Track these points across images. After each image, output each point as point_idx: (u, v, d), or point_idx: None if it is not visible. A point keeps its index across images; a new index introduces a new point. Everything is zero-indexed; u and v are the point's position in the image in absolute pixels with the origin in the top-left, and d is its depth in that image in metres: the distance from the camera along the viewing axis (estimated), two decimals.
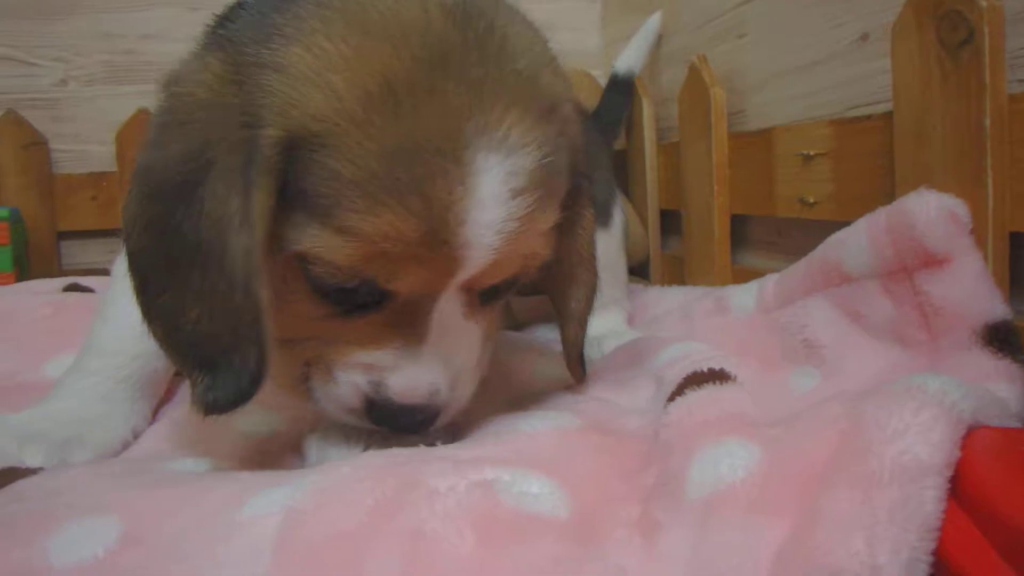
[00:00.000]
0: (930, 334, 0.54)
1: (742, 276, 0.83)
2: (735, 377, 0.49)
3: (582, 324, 0.59)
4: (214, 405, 0.44)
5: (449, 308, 0.47)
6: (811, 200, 0.77)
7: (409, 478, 0.38)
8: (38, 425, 0.55)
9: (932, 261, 0.53)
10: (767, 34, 0.88)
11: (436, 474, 0.38)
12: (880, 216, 0.57)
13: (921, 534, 0.30)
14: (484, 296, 0.50)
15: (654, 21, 1.11)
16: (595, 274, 0.58)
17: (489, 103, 0.42)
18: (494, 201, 0.43)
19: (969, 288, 0.52)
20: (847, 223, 0.62)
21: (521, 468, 0.40)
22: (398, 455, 0.43)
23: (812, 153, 0.76)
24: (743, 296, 0.75)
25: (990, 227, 0.53)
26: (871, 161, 0.67)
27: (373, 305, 0.45)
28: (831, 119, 0.73)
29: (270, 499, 0.39)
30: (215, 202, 0.42)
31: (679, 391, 0.49)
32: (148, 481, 0.46)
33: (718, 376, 0.49)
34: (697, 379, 0.49)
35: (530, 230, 0.45)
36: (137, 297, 0.45)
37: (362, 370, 0.47)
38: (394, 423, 0.47)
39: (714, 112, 0.92)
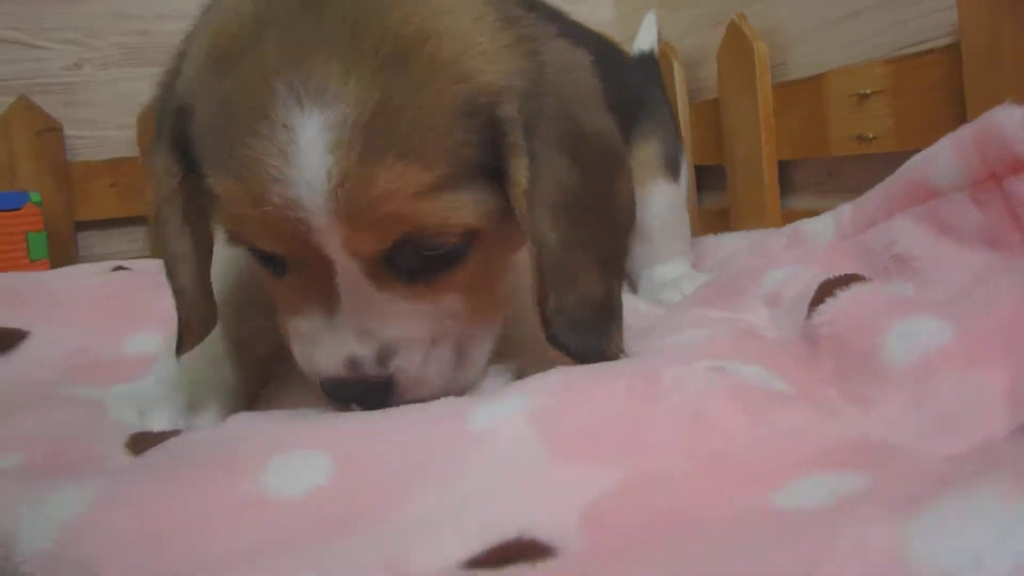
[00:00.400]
0: (1022, 232, 0.62)
1: (794, 219, 0.90)
2: (871, 278, 0.56)
3: (538, 299, 0.50)
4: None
5: (351, 277, 0.46)
6: (870, 136, 0.85)
7: (645, 372, 0.44)
8: (156, 391, 0.57)
9: (1018, 163, 0.61)
10: None
11: (666, 366, 0.44)
12: (965, 131, 0.64)
13: None
14: (410, 269, 0.47)
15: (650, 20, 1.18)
16: (535, 239, 0.48)
17: (305, 53, 0.42)
18: (307, 155, 0.41)
19: None
20: (909, 153, 0.70)
21: (728, 358, 0.47)
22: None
23: (868, 92, 0.84)
24: (819, 225, 0.82)
25: None
26: (932, 93, 0.75)
27: (285, 267, 0.48)
28: (885, 59, 0.81)
29: (499, 407, 0.42)
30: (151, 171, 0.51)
31: (821, 297, 0.56)
32: (342, 418, 0.47)
33: (855, 278, 0.56)
34: (837, 283, 0.56)
35: (376, 188, 0.42)
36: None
37: (299, 341, 0.49)
38: (338, 396, 0.48)
39: (758, 66, 1.00)
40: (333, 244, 0.44)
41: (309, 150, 0.41)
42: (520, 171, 0.46)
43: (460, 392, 0.50)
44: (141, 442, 0.48)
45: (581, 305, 0.50)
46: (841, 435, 0.40)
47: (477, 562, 0.30)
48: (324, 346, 0.47)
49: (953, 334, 0.42)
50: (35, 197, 1.19)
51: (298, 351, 0.50)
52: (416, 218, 0.44)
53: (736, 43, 1.04)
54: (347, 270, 0.46)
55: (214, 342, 0.58)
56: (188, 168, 0.49)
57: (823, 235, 0.82)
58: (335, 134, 0.41)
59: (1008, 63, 0.65)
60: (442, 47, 0.44)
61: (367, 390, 0.47)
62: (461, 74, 0.44)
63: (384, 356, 0.47)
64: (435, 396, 0.47)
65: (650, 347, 0.57)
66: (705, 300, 0.74)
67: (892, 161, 0.79)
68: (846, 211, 0.80)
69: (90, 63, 1.31)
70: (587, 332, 0.50)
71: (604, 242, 0.51)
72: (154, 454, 0.45)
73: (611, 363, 0.48)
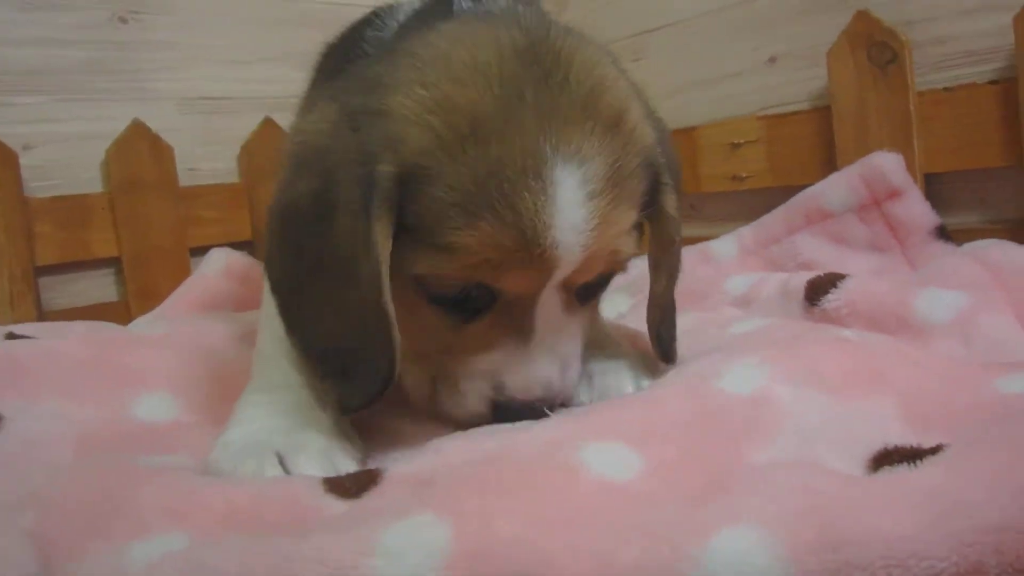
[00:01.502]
0: (898, 241, 0.89)
1: None
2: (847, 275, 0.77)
3: (662, 307, 0.63)
4: (348, 407, 0.55)
5: (550, 305, 0.54)
6: (744, 175, 1.10)
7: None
8: (275, 439, 0.56)
9: (895, 193, 0.88)
10: (668, 55, 1.19)
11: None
12: (853, 170, 0.91)
13: None
14: (580, 294, 0.57)
15: None
16: (677, 259, 0.64)
17: (559, 124, 0.51)
18: (573, 205, 0.51)
19: (918, 207, 0.88)
20: (781, 189, 0.95)
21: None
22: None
23: (742, 141, 1.09)
24: (722, 246, 1.04)
25: (917, 171, 0.90)
26: (801, 142, 1.02)
27: (484, 310, 0.54)
28: (759, 115, 1.07)
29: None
30: (343, 232, 0.52)
31: (824, 289, 0.74)
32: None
33: (839, 276, 0.76)
34: (828, 279, 0.76)
35: (611, 229, 0.53)
36: (281, 316, 0.56)
37: (482, 376, 0.55)
38: (517, 418, 0.54)
39: None
40: (561, 278, 0.53)
41: (574, 200, 0.51)
42: (673, 205, 0.60)
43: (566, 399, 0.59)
44: (345, 485, 0.49)
45: (672, 315, 0.65)
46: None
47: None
48: (522, 374, 0.54)
49: (974, 296, 0.64)
50: None
51: (475, 392, 0.55)
52: (621, 253, 0.55)
53: None
54: (550, 301, 0.54)
55: (293, 390, 0.60)
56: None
57: (727, 253, 1.04)
58: (590, 187, 0.51)
59: (873, 122, 0.93)
60: (631, 118, 0.56)
61: (544, 407, 0.55)
62: (641, 137, 0.56)
63: (563, 370, 0.56)
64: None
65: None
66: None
67: (761, 195, 1.05)
68: (746, 232, 1.03)
69: None
70: (672, 337, 0.64)
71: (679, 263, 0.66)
72: (398, 485, 0.47)
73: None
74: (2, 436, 0.59)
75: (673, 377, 0.58)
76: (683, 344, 0.67)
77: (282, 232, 0.56)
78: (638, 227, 0.59)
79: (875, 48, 0.91)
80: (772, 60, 1.06)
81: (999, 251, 0.68)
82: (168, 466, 0.55)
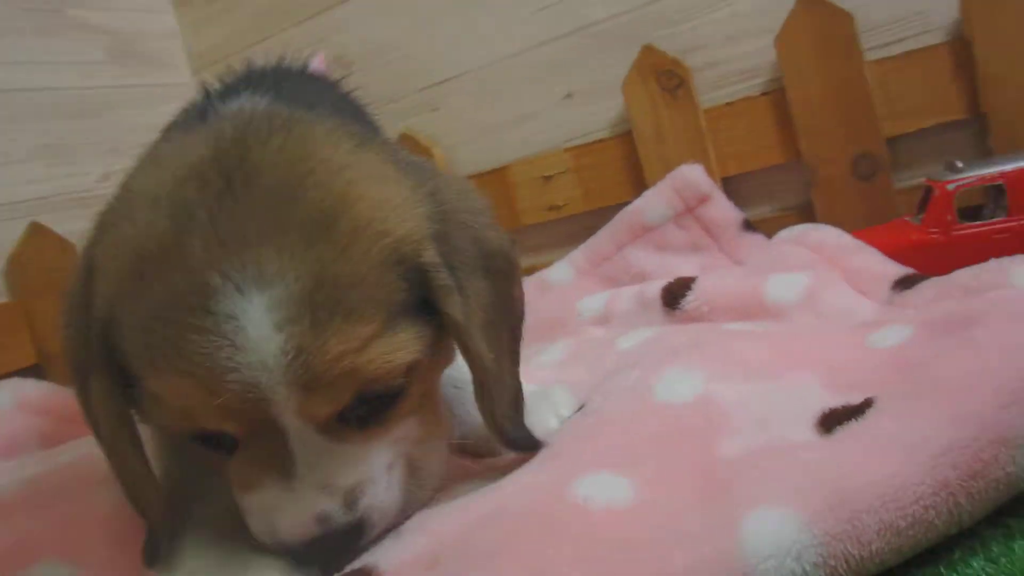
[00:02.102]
0: (714, 239, 1.01)
1: None
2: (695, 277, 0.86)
3: (492, 387, 0.54)
4: (145, 559, 0.51)
5: (305, 437, 0.47)
6: (559, 204, 1.18)
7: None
8: None
9: (704, 199, 1.01)
10: (466, 103, 1.25)
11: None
12: (665, 184, 1.02)
13: None
14: (358, 416, 0.49)
15: None
16: (478, 363, 0.52)
17: (234, 247, 0.44)
18: (256, 340, 0.44)
19: (725, 207, 1.01)
20: (595, 212, 1.05)
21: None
22: None
23: (552, 174, 1.17)
24: (557, 272, 1.11)
25: (716, 177, 1.03)
26: (608, 167, 1.12)
27: (235, 446, 0.49)
28: (565, 147, 1.16)
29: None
30: (78, 392, 0.51)
31: (681, 293, 0.82)
32: None
33: (690, 279, 0.85)
34: (682, 283, 0.84)
35: (327, 354, 0.45)
36: None
37: (257, 516, 0.49)
38: (311, 559, 0.49)
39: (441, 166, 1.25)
40: (289, 413, 0.46)
41: (258, 333, 0.44)
42: (456, 309, 0.50)
43: (423, 505, 0.53)
44: None
45: (512, 403, 0.56)
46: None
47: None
48: (288, 512, 0.48)
49: (809, 280, 0.75)
50: None
51: (258, 526, 0.50)
52: (366, 371, 0.47)
53: (412, 149, 1.27)
54: (301, 433, 0.47)
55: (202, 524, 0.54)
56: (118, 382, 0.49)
57: (564, 277, 1.11)
58: (281, 313, 0.44)
59: (670, 140, 1.05)
60: (361, 211, 0.48)
61: (341, 541, 0.48)
62: (383, 232, 0.48)
63: (350, 502, 0.48)
64: (402, 517, 0.51)
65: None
66: (540, 338, 0.95)
67: (578, 220, 1.14)
68: (578, 255, 1.11)
69: None
70: (518, 424, 0.56)
71: (514, 342, 0.58)
72: None
73: None
74: None
75: (606, 400, 0.61)
76: (577, 370, 0.71)
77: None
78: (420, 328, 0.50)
79: (663, 76, 1.04)
80: (569, 96, 1.15)
81: (817, 234, 0.81)
82: None
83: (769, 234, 0.99)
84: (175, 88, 1.45)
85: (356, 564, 0.49)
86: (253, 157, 0.48)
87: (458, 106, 1.26)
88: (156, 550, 0.50)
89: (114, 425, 0.49)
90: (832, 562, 0.40)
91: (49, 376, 1.12)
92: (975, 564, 0.42)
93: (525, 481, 0.52)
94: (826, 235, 0.80)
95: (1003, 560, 0.42)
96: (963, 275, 0.60)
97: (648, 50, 1.05)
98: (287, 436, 0.46)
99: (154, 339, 0.45)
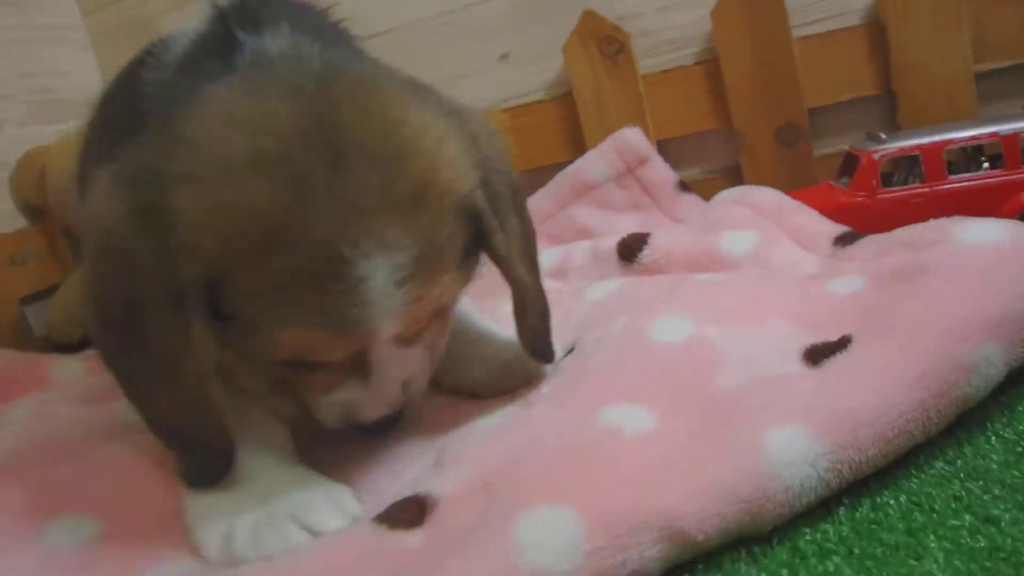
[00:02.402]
0: (652, 199, 1.09)
1: None
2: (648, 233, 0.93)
3: (529, 302, 0.63)
4: (197, 483, 0.56)
5: (387, 352, 0.56)
6: None
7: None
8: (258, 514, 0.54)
9: (643, 161, 1.08)
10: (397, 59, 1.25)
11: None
12: (607, 145, 1.09)
13: None
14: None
15: None
16: (520, 286, 0.62)
17: (355, 217, 0.50)
18: (382, 297, 0.51)
19: (662, 168, 1.09)
20: (533, 170, 1.12)
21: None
22: None
23: None
24: None
25: (652, 140, 1.11)
26: (546, 128, 1.17)
27: (321, 364, 0.56)
28: (501, 108, 1.20)
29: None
30: (159, 337, 0.52)
31: (638, 247, 0.89)
32: None
33: (644, 235, 0.92)
34: (637, 238, 0.91)
35: (430, 299, 0.55)
36: (121, 391, 0.57)
37: (333, 406, 0.58)
38: (375, 431, 0.60)
39: None
40: (388, 342, 0.55)
41: (382, 292, 0.51)
42: (501, 245, 0.59)
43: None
44: (399, 516, 0.51)
45: (542, 315, 0.66)
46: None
47: None
48: (367, 402, 0.58)
49: (757, 236, 0.83)
50: None
51: (335, 415, 0.59)
52: (444, 304, 0.59)
53: None
54: (385, 349, 0.56)
55: (261, 451, 0.59)
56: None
57: None
58: (399, 273, 0.52)
59: (610, 104, 1.11)
60: (444, 176, 0.54)
61: (397, 417, 0.60)
62: (452, 191, 0.55)
63: (406, 389, 0.60)
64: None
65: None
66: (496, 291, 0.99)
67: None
68: None
69: None
70: (547, 332, 0.67)
71: (536, 264, 0.67)
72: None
73: None
74: None
75: (600, 342, 0.67)
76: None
77: (101, 325, 0.55)
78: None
79: (604, 41, 1.09)
80: (504, 56, 1.19)
81: (757, 195, 0.90)
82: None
83: (699, 194, 1.08)
84: (61, 30, 1.36)
85: (408, 493, 0.53)
86: (355, 125, 0.51)
87: (390, 61, 1.26)
88: (216, 474, 0.55)
89: (205, 362, 0.52)
90: (838, 467, 0.48)
91: None
92: (937, 465, 0.52)
93: (554, 413, 0.57)
94: (765, 196, 0.89)
95: (959, 462, 0.52)
96: (904, 233, 0.70)
97: (589, 15, 1.10)
98: (370, 351, 0.55)
99: (287, 298, 0.50)
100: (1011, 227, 0.60)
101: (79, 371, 1.03)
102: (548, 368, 0.69)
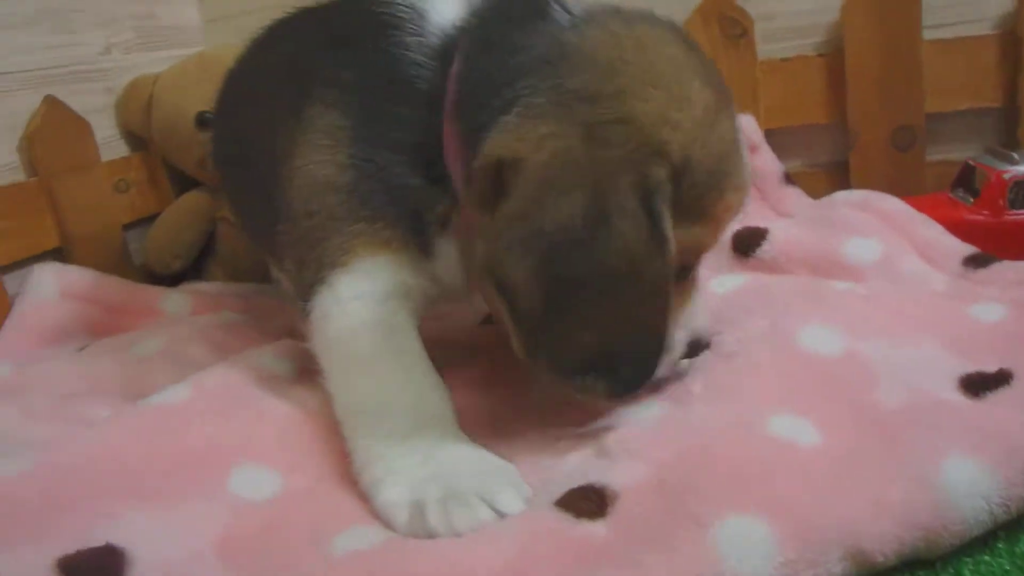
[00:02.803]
0: (757, 189, 1.09)
1: None
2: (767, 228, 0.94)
3: None
4: (624, 394, 0.61)
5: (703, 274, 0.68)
6: None
7: None
8: (470, 480, 0.57)
9: (753, 148, 1.08)
10: None
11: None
12: None
13: None
14: None
15: None
16: None
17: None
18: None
19: (770, 159, 1.09)
20: None
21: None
22: None
23: None
24: None
25: (760, 128, 1.11)
26: None
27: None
28: None
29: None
30: (623, 240, 0.55)
31: (749, 247, 0.91)
32: None
33: (761, 230, 0.93)
34: (751, 233, 0.92)
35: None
36: (525, 344, 0.59)
37: (679, 325, 0.65)
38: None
39: None
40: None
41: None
42: None
43: None
44: (583, 505, 0.53)
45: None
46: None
47: None
48: (699, 317, 0.66)
49: (883, 246, 0.84)
50: None
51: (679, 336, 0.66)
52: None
53: None
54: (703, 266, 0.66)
55: (419, 433, 0.61)
56: None
57: None
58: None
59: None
60: None
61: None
62: None
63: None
64: None
65: None
66: None
67: None
68: None
69: None
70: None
71: None
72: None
73: None
74: None
75: (743, 340, 0.69)
76: None
77: (546, 262, 0.56)
78: None
79: (727, 22, 1.08)
80: None
81: (885, 203, 0.91)
82: (363, 542, 0.52)
83: (801, 187, 1.08)
84: None
85: (581, 481, 0.56)
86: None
87: None
88: (644, 381, 0.60)
89: (672, 261, 0.57)
90: (1008, 503, 0.51)
91: (72, 259, 1.07)
92: None
93: (717, 415, 0.59)
94: (893, 205, 0.90)
95: None
96: None
97: None
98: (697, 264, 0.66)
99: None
100: None
101: (186, 306, 1.06)
102: (684, 363, 0.71)
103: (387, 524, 0.55)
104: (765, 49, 1.11)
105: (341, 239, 0.65)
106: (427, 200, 0.64)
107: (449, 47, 0.64)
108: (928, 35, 1.03)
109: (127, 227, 1.22)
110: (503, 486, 0.56)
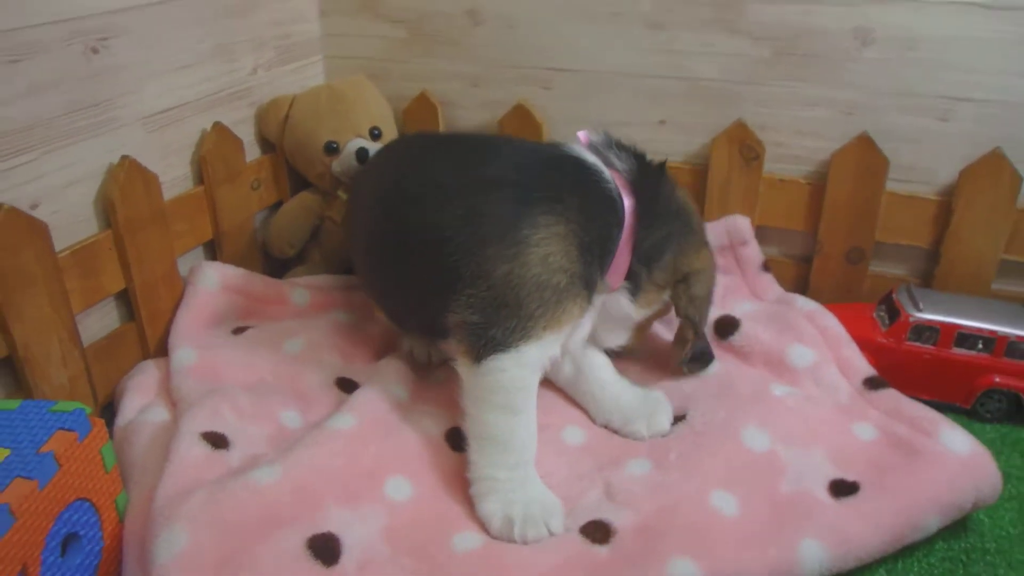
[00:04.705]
0: (740, 269, 1.42)
1: None
2: (740, 319, 1.28)
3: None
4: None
5: None
6: None
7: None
8: (541, 508, 0.90)
9: (743, 242, 1.40)
10: (572, 95, 1.50)
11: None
12: (721, 223, 1.40)
13: None
14: None
15: None
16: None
17: None
18: None
19: (755, 250, 1.41)
20: None
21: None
22: None
23: None
24: None
25: (755, 223, 1.42)
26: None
27: None
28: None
29: None
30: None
31: (725, 332, 1.25)
32: None
33: (734, 320, 1.27)
34: (727, 322, 1.26)
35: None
36: (699, 335, 1.13)
37: None
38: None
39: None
40: None
41: None
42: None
43: None
44: (596, 534, 0.90)
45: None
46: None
47: None
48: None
49: (816, 356, 1.19)
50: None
51: None
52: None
53: (524, 122, 1.53)
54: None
55: (518, 468, 0.94)
56: None
57: None
58: None
59: (733, 193, 1.41)
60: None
61: None
62: None
63: None
64: None
65: None
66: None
67: None
68: None
69: None
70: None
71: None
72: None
73: None
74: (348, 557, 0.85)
75: (704, 426, 1.05)
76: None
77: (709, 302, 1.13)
78: None
79: (745, 148, 1.37)
80: (662, 122, 1.46)
81: (824, 319, 1.24)
82: (473, 543, 0.89)
83: (775, 268, 1.41)
84: None
85: (595, 515, 0.92)
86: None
87: (566, 94, 1.51)
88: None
89: None
90: (834, 572, 0.88)
91: (221, 248, 1.39)
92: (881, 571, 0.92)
93: (682, 485, 0.95)
94: (829, 323, 1.22)
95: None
96: (912, 409, 1.06)
97: (739, 125, 1.37)
98: None
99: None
100: (975, 445, 0.97)
101: (307, 299, 1.39)
102: (666, 427, 1.07)
103: (483, 526, 0.91)
104: (771, 167, 1.41)
105: (554, 312, 0.93)
106: (596, 282, 1.00)
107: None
108: (890, 186, 1.33)
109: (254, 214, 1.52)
110: (555, 515, 0.90)
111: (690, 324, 1.11)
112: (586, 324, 1.07)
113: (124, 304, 1.24)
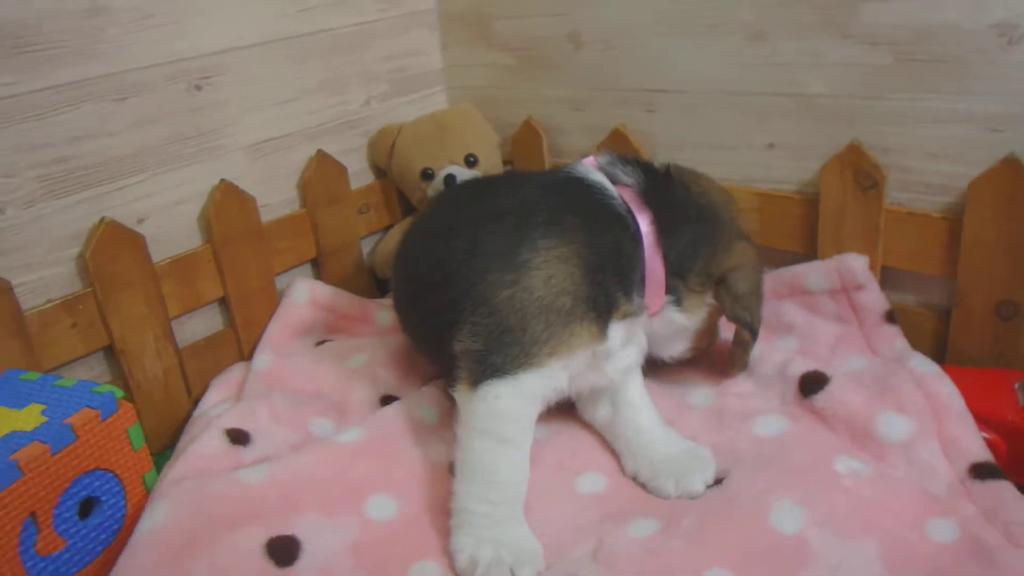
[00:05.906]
0: (857, 318, 1.19)
1: None
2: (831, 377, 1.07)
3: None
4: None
5: None
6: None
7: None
8: (494, 553, 0.82)
9: (858, 286, 1.17)
10: (677, 116, 1.38)
11: None
12: (831, 263, 1.19)
13: None
14: None
15: None
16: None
17: None
18: None
19: (875, 297, 1.17)
20: (768, 247, 1.24)
21: None
22: None
23: (740, 207, 1.33)
24: None
25: (878, 264, 1.19)
26: (788, 218, 1.27)
27: None
28: (752, 188, 1.31)
29: None
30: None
31: (810, 390, 1.05)
32: None
33: (823, 377, 1.06)
34: (814, 378, 1.06)
35: None
36: (753, 332, 1.05)
37: None
38: None
39: None
40: None
41: None
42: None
43: None
44: None
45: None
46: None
47: None
48: None
49: (914, 427, 0.95)
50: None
51: None
52: None
53: (617, 147, 1.43)
54: None
55: (496, 506, 0.86)
56: None
57: None
58: None
59: (848, 226, 1.19)
60: None
61: None
62: None
63: None
64: None
65: None
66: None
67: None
68: None
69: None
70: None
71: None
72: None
73: None
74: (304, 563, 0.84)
75: (733, 499, 0.88)
76: (717, 433, 1.00)
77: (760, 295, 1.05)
78: None
79: (861, 174, 1.15)
80: (771, 146, 1.28)
81: (937, 385, 0.99)
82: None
83: (908, 321, 1.16)
84: (419, 16, 1.60)
85: (580, 570, 0.80)
86: None
87: (670, 116, 1.39)
88: None
89: None
90: None
91: (324, 267, 1.46)
92: None
93: (679, 560, 0.79)
94: (943, 389, 0.97)
95: None
96: (1008, 512, 0.81)
97: (854, 147, 1.15)
98: None
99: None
100: None
101: (389, 320, 1.41)
102: (698, 488, 0.92)
103: (451, 559, 0.83)
104: (895, 196, 1.17)
105: (561, 336, 0.88)
106: (618, 303, 0.93)
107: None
108: None
109: (363, 237, 1.59)
110: (526, 564, 0.81)
111: (743, 325, 1.02)
112: (625, 355, 0.99)
113: (227, 311, 1.36)
